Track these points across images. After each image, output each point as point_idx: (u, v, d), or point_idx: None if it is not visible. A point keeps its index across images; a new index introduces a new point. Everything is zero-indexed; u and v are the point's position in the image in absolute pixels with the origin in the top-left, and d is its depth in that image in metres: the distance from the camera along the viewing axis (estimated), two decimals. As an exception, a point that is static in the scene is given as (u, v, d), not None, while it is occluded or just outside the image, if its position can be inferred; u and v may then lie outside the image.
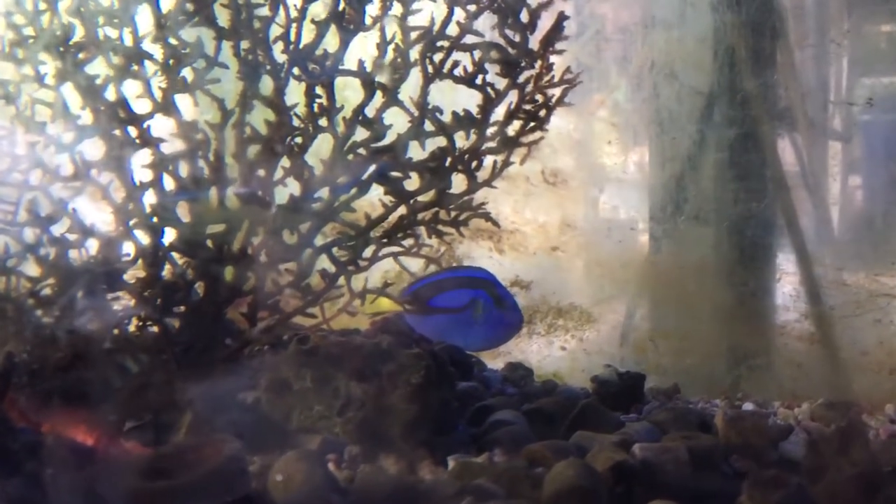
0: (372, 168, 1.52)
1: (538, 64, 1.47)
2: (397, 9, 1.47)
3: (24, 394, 1.12)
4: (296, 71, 1.50)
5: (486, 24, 1.49)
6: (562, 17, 1.45)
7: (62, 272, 1.43)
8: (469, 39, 1.49)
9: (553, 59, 1.51)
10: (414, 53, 1.49)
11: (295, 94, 1.53)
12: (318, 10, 1.50)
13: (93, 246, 1.52)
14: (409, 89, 1.52)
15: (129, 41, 1.51)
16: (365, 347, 1.51)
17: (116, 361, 1.32)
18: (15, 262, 1.50)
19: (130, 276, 1.54)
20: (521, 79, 1.49)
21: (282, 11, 1.50)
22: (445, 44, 1.48)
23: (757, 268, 2.03)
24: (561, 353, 2.13)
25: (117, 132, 1.52)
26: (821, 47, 2.14)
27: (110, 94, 1.52)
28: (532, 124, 1.49)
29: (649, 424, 1.57)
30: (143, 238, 1.54)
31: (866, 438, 1.02)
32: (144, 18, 1.52)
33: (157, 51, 1.51)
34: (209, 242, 1.53)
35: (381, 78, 1.49)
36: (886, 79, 2.14)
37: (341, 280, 1.55)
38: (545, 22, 1.46)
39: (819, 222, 2.05)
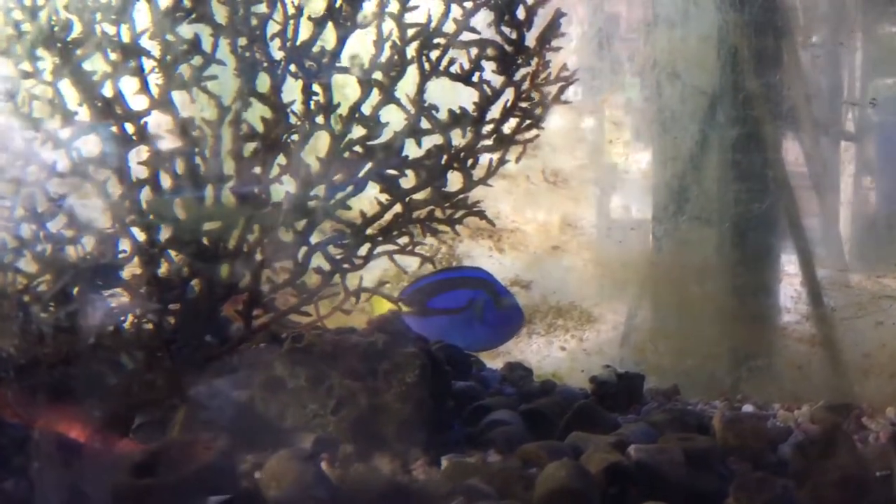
0: (368, 166, 1.52)
1: (534, 61, 1.46)
2: (394, 6, 1.47)
3: (12, 389, 1.12)
4: (293, 68, 1.50)
5: (482, 21, 1.48)
6: (558, 15, 1.44)
7: (57, 268, 1.42)
8: (465, 37, 1.48)
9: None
10: (410, 50, 1.48)
11: (292, 91, 1.53)
12: (316, 7, 1.49)
13: (89, 242, 1.53)
14: (406, 87, 1.52)
15: (126, 37, 1.51)
16: (360, 346, 1.51)
17: (106, 357, 1.31)
18: (11, 259, 1.51)
19: (127, 273, 1.54)
20: (518, 76, 1.48)
21: (279, 8, 1.49)
22: (442, 41, 1.48)
23: (758, 269, 2.01)
24: (560, 354, 2.12)
25: (114, 129, 1.52)
26: (825, 47, 2.12)
27: (107, 91, 1.52)
28: (528, 122, 1.48)
29: (646, 426, 1.56)
30: (140, 235, 1.54)
31: (852, 442, 1.01)
32: (142, 15, 1.52)
33: (155, 47, 1.51)
34: (205, 240, 1.53)
35: (378, 75, 1.48)
36: (892, 80, 2.12)
37: (336, 278, 1.55)
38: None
39: (822, 224, 2.03)
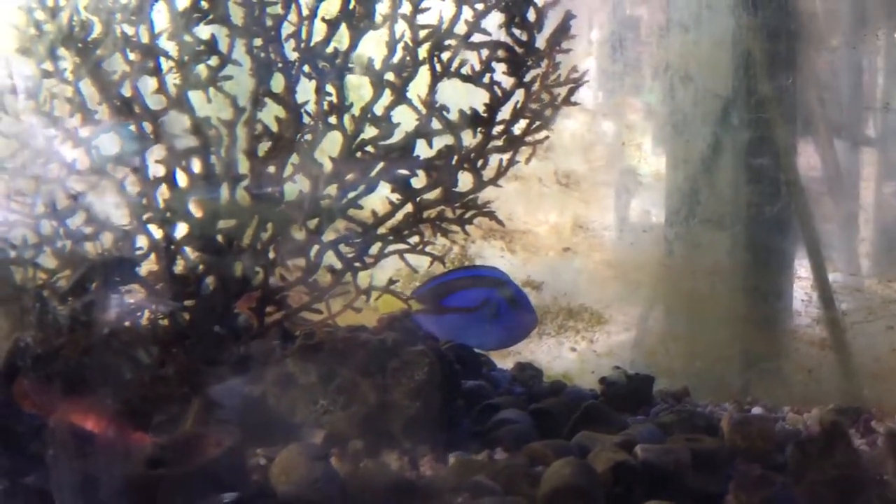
0: (380, 165, 1.54)
1: (544, 63, 1.47)
2: (406, 7, 1.49)
3: (30, 380, 1.15)
4: (306, 68, 1.52)
5: (493, 23, 1.50)
6: (568, 17, 1.45)
7: (74, 262, 1.46)
8: (477, 38, 1.50)
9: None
10: (422, 52, 1.50)
11: (306, 91, 1.55)
12: (330, 9, 1.51)
13: (107, 239, 1.56)
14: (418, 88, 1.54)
15: (145, 38, 1.54)
16: (370, 344, 1.52)
17: (122, 352, 1.34)
18: (31, 254, 1.54)
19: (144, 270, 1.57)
20: (528, 78, 1.49)
21: (294, 10, 1.52)
22: (453, 42, 1.49)
23: (769, 272, 2.01)
24: (571, 355, 2.13)
25: (132, 127, 1.55)
26: (839, 51, 2.11)
27: (126, 90, 1.55)
28: (538, 123, 1.50)
29: (653, 426, 1.57)
30: (156, 232, 1.57)
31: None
32: (160, 16, 1.55)
33: (172, 48, 1.54)
34: (220, 237, 1.55)
35: (390, 76, 1.50)
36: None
37: (347, 277, 1.57)
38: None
39: (834, 228, 2.03)
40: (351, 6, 1.49)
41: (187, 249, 1.56)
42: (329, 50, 1.51)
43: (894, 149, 2.11)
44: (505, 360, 2.06)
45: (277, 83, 1.54)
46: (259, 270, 1.56)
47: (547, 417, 1.64)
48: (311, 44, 1.52)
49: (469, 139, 1.55)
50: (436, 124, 1.53)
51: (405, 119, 1.55)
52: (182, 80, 1.53)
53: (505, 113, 1.54)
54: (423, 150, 1.56)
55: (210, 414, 1.37)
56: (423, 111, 1.52)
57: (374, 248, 1.58)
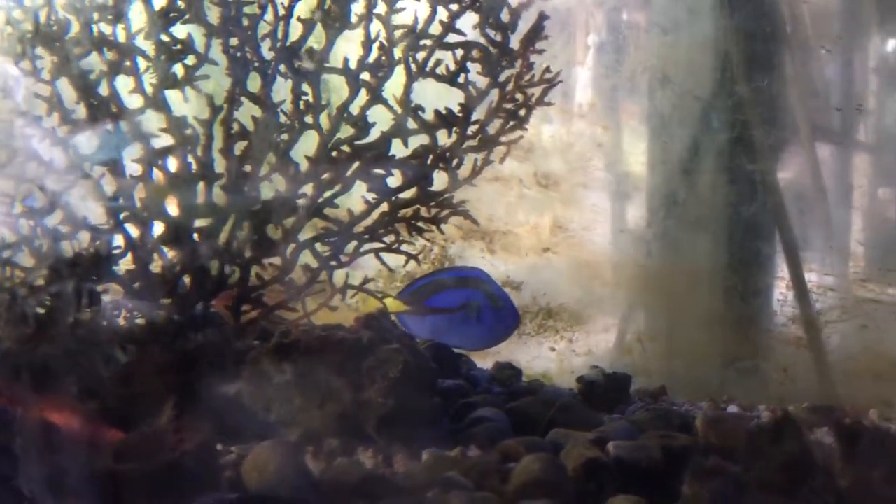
0: (356, 165, 1.55)
1: (518, 63, 1.48)
2: (382, 7, 1.50)
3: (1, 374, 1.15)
4: (282, 68, 1.53)
5: (468, 23, 1.51)
6: (542, 17, 1.47)
7: (49, 258, 1.46)
8: (451, 38, 1.51)
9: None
10: (398, 52, 1.51)
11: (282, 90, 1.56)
12: (306, 8, 1.53)
13: (84, 237, 1.56)
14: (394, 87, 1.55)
15: (122, 37, 1.54)
16: (345, 342, 1.53)
17: (97, 349, 1.34)
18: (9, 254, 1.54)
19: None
20: (502, 78, 1.50)
21: (270, 9, 1.53)
22: (428, 42, 1.50)
23: (746, 271, 2.02)
24: (550, 354, 2.14)
25: (109, 126, 1.56)
26: (817, 52, 2.13)
27: (103, 89, 1.56)
28: (512, 123, 1.51)
29: (627, 424, 1.58)
30: (133, 231, 1.58)
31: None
32: (137, 15, 1.55)
33: (150, 47, 1.54)
34: (196, 236, 1.56)
35: (366, 76, 1.51)
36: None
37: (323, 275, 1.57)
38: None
39: (810, 227, 2.05)
40: (327, 6, 1.50)
41: (164, 248, 1.57)
42: (305, 49, 1.52)
43: (873, 150, 2.13)
44: (485, 360, 2.07)
45: (254, 83, 1.55)
46: (235, 269, 1.56)
47: (523, 416, 1.64)
48: (288, 43, 1.53)
49: (444, 139, 1.56)
50: (411, 124, 1.54)
51: (381, 119, 1.56)
52: (159, 79, 1.54)
53: (480, 113, 1.55)
54: (398, 149, 1.57)
55: (183, 411, 1.37)
56: (399, 111, 1.53)
57: (350, 247, 1.58)
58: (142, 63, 1.54)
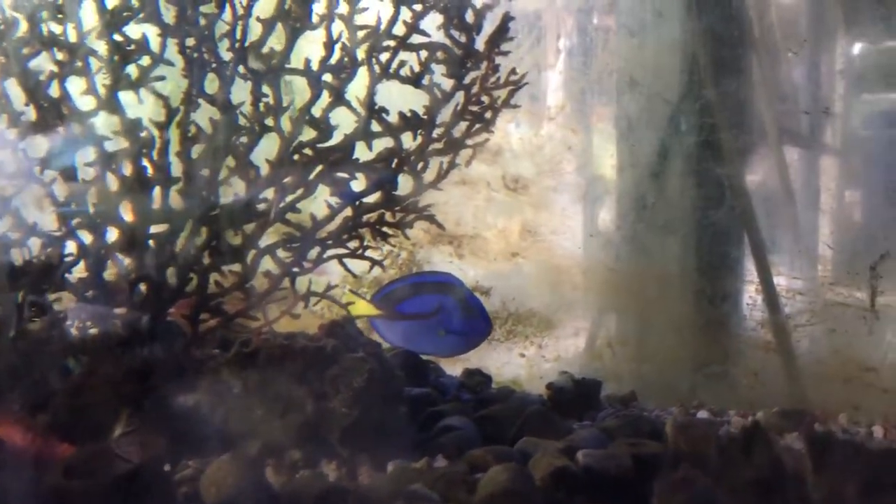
0: (318, 168, 1.51)
1: (484, 65, 1.45)
2: (344, 7, 1.46)
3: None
4: (241, 69, 1.48)
5: (432, 24, 1.48)
6: (507, 18, 1.44)
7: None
8: (415, 39, 1.48)
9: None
10: (360, 52, 1.48)
11: (241, 92, 1.52)
12: (265, 8, 1.48)
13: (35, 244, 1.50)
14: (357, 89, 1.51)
15: (73, 37, 1.49)
16: (308, 350, 1.49)
17: (49, 360, 1.29)
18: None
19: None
20: (468, 80, 1.48)
21: (228, 8, 1.48)
22: (392, 43, 1.47)
23: (715, 275, 2.01)
24: (520, 360, 2.11)
25: (61, 129, 1.50)
26: (786, 56, 2.13)
27: (54, 91, 1.50)
28: (478, 126, 1.48)
29: (597, 431, 1.55)
30: (86, 237, 1.52)
31: (770, 441, 1.01)
32: (89, 14, 1.50)
33: (102, 47, 1.49)
34: (152, 242, 1.51)
35: (328, 77, 1.47)
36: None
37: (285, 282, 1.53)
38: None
39: (779, 231, 2.04)
40: (287, 6, 1.46)
41: (119, 255, 1.52)
42: (265, 50, 1.48)
43: (840, 153, 2.14)
44: (454, 367, 2.04)
45: (211, 84, 1.50)
46: (193, 276, 1.51)
47: (492, 424, 1.61)
48: (247, 43, 1.48)
49: (409, 142, 1.52)
50: (375, 127, 1.51)
51: (344, 121, 1.52)
52: (112, 80, 1.49)
53: (445, 115, 1.51)
54: (362, 152, 1.53)
55: (137, 424, 1.32)
56: (363, 113, 1.50)
57: (313, 253, 1.54)
58: (94, 63, 1.49)
